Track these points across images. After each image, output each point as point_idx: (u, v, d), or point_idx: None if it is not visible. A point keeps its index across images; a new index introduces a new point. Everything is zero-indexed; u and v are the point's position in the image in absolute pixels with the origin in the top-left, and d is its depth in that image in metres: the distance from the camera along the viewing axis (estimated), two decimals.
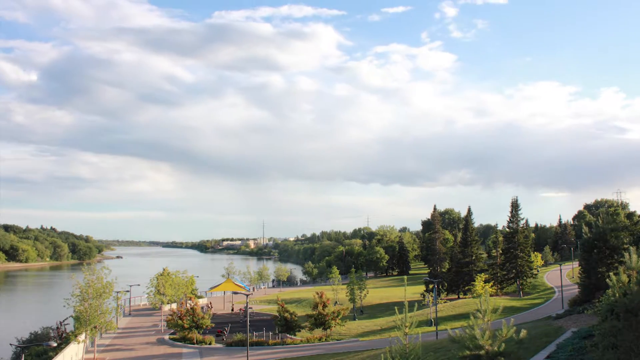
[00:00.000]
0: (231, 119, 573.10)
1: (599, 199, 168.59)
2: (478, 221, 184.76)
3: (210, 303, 69.78)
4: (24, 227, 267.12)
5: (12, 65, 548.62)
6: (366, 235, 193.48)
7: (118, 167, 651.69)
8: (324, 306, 45.35)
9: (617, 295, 14.10)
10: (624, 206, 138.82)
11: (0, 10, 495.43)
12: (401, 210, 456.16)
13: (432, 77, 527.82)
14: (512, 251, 72.29)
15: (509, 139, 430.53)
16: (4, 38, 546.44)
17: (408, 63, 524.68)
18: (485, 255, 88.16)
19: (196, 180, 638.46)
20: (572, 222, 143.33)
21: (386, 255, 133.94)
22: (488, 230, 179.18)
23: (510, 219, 74.30)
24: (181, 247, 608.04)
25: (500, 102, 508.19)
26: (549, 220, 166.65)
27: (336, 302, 59.68)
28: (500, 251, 75.02)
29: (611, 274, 14.82)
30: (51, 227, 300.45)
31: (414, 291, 74.79)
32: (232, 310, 66.82)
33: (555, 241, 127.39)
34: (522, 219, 76.21)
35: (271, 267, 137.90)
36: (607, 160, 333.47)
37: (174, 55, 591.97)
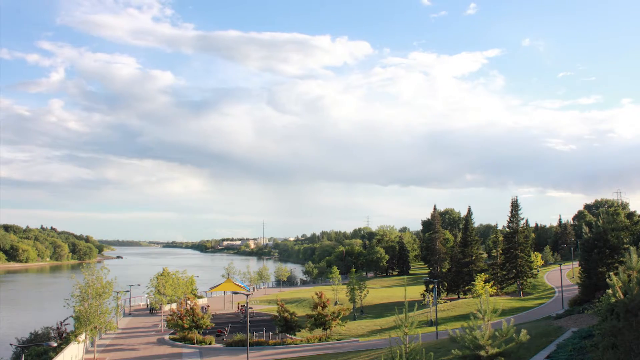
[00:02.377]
0: (277, 124, 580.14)
1: (599, 199, 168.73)
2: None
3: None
4: (24, 227, 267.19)
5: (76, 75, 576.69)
6: (366, 235, 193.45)
7: (145, 171, 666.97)
8: (324, 306, 45.32)
9: (618, 295, 14.09)
10: (624, 206, 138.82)
11: (96, 28, 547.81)
12: (412, 211, 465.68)
13: (465, 88, 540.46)
14: (512, 251, 72.28)
15: (528, 145, 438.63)
16: (91, 51, 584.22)
17: (443, 74, 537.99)
18: (485, 255, 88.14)
19: (220, 183, 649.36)
20: (572, 222, 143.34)
21: (386, 255, 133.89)
22: (488, 230, 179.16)
23: (510, 219, 74.26)
24: (181, 247, 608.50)
25: (523, 112, 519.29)
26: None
27: (336, 302, 59.71)
28: (500, 251, 75.00)
29: (611, 273, 14.81)
30: (51, 227, 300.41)
31: (414, 291, 74.77)
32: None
33: (555, 241, 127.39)
34: (522, 218, 76.23)
35: (271, 267, 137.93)
36: (617, 162, 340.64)
37: (236, 64, 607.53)
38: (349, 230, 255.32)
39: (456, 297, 70.66)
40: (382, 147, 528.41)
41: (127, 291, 65.57)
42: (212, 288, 71.87)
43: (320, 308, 44.99)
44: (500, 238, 78.17)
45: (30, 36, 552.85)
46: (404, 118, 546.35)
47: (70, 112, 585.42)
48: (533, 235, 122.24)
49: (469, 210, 78.24)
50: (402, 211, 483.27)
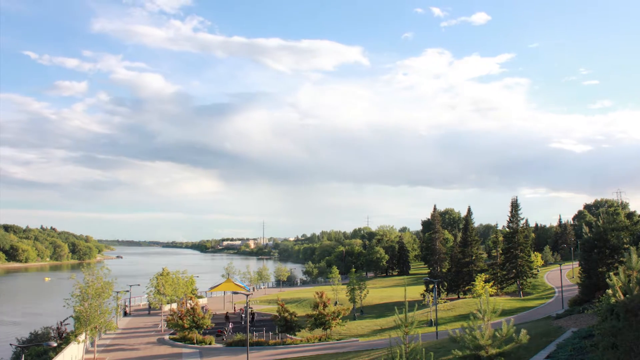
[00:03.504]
0: (294, 126, 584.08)
1: (599, 199, 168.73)
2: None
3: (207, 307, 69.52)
4: (24, 227, 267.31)
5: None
6: (366, 235, 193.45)
7: (156, 172, 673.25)
8: (324, 306, 45.33)
9: (618, 295, 14.10)
10: (624, 206, 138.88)
11: (134, 36, 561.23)
12: (417, 211, 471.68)
13: (479, 92, 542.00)
14: (512, 251, 72.29)
15: (540, 147, 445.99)
16: (130, 60, 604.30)
17: (456, 79, 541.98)
18: (485, 255, 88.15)
19: (230, 183, 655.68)
20: (572, 222, 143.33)
21: (386, 255, 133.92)
22: (488, 230, 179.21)
23: (510, 219, 74.25)
24: (181, 247, 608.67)
25: (537, 116, 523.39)
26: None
27: (336, 302, 59.68)
28: (500, 251, 75.00)
29: (611, 273, 14.81)
30: (51, 227, 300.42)
31: (414, 291, 74.78)
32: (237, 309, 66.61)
33: (555, 241, 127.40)
34: (522, 218, 76.24)
35: (271, 267, 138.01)
36: (622, 163, 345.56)
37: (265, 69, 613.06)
38: (349, 230, 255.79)
39: (456, 297, 70.67)
40: (397, 149, 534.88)
41: (127, 291, 65.57)
42: (212, 288, 71.83)
43: (321, 307, 44.99)
44: (500, 238, 78.19)
45: (68, 43, 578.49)
46: (420, 121, 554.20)
47: (92, 116, 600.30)
48: (533, 235, 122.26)
49: (469, 210, 78.32)
50: (407, 211, 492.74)
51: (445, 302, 63.61)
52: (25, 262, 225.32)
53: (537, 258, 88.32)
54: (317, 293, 47.42)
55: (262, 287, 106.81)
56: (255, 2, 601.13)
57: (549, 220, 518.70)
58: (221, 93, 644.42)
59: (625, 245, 40.87)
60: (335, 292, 67.71)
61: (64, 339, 39.97)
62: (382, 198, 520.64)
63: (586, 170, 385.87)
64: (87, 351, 39.77)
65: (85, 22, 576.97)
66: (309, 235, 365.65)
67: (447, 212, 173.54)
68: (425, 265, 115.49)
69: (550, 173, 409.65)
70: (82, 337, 36.71)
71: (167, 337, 46.67)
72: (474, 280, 63.23)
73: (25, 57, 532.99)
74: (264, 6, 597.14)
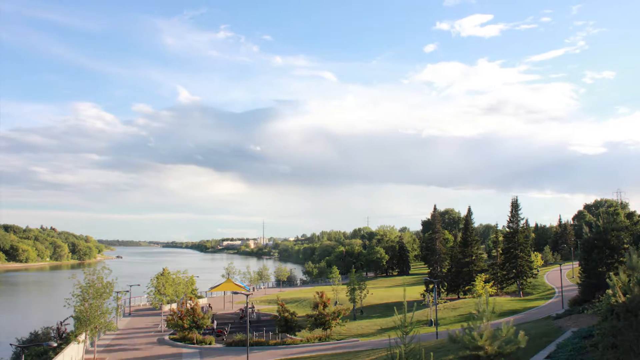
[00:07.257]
0: (324, 130, 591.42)
1: (599, 199, 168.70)
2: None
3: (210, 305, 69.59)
4: (24, 227, 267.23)
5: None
6: (366, 235, 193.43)
7: (178, 175, 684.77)
8: (324, 306, 45.35)
9: (618, 295, 14.09)
10: (624, 206, 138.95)
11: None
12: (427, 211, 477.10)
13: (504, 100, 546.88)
14: (512, 251, 72.28)
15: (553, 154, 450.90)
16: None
17: (486, 86, 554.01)
18: (485, 255, 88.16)
19: (253, 185, 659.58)
20: (572, 222, 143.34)
21: (386, 255, 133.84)
22: (488, 230, 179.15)
23: (510, 219, 74.23)
24: (181, 247, 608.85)
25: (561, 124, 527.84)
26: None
27: (336, 302, 59.71)
28: (500, 251, 74.99)
29: (611, 273, 14.81)
30: (51, 227, 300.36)
31: (415, 291, 74.76)
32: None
33: (555, 241, 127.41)
34: (522, 218, 76.24)
35: (271, 267, 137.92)
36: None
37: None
38: (348, 230, 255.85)
39: (456, 297, 70.66)
40: (430, 154, 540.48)
41: (127, 291, 65.55)
42: (212, 288, 71.79)
43: (321, 307, 45.00)
44: (500, 238, 78.18)
45: (135, 57, 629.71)
46: (452, 129, 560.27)
47: (132, 121, 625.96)
48: (533, 235, 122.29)
49: (469, 210, 78.29)
50: (415, 211, 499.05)
51: (445, 302, 63.61)
52: (26, 262, 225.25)
53: (537, 258, 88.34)
54: (317, 293, 47.45)
55: (262, 287, 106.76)
56: (310, 22, 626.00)
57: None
58: (265, 99, 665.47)
59: (625, 245, 40.92)
60: (335, 292, 67.70)
61: (64, 339, 39.95)
62: (394, 198, 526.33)
63: (603, 172, 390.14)
64: (87, 351, 39.77)
65: (153, 39, 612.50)
66: (309, 235, 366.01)
67: (447, 212, 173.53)
68: (426, 265, 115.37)
69: (568, 175, 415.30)
70: (82, 337, 36.70)
71: (167, 337, 46.66)
72: (474, 280, 63.25)
73: (95, 69, 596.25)
74: (317, 26, 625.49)
